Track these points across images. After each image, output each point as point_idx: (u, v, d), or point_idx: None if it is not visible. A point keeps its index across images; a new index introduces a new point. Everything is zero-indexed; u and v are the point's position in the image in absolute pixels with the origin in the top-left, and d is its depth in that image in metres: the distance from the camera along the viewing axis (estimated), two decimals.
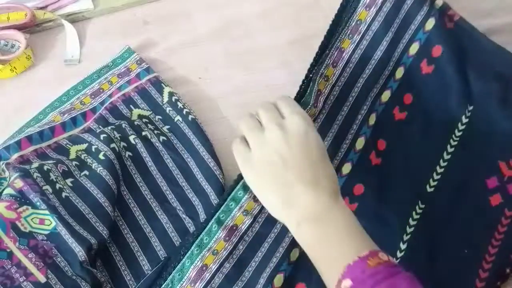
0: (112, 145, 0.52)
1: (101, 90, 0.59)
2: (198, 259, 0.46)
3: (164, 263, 0.48)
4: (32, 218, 0.47)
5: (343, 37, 0.55)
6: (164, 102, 0.57)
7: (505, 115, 0.52)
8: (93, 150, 0.52)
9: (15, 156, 0.50)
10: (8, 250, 0.45)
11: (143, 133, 0.54)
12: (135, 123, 0.55)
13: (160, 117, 0.56)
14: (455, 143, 0.52)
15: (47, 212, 0.46)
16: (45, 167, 0.49)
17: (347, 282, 0.36)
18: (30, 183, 0.47)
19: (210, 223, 0.48)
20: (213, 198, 0.51)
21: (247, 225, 0.48)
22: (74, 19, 0.65)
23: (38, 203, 0.47)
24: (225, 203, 0.49)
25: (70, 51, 0.63)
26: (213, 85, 0.60)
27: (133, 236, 0.51)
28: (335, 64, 0.54)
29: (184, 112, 0.55)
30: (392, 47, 0.55)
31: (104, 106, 0.57)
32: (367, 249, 0.37)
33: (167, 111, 0.56)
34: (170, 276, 0.46)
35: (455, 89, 0.54)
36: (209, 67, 0.62)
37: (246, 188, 0.49)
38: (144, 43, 0.63)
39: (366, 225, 0.41)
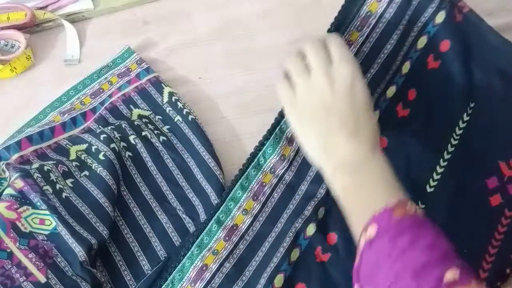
0: (112, 145, 0.52)
1: (101, 90, 0.59)
2: (198, 259, 0.46)
3: (164, 263, 0.48)
4: (33, 218, 0.47)
5: (351, 29, 0.53)
6: (164, 102, 0.57)
7: (505, 114, 0.52)
8: (93, 150, 0.52)
9: (15, 156, 0.50)
10: (8, 250, 0.45)
11: (143, 133, 0.54)
12: (135, 123, 0.55)
13: (160, 117, 0.56)
14: (456, 142, 0.52)
15: (47, 212, 0.47)
16: (45, 168, 0.49)
17: (372, 230, 0.36)
18: (30, 183, 0.47)
19: (210, 224, 0.48)
20: (213, 198, 0.51)
21: (247, 224, 0.48)
22: (74, 19, 0.65)
23: (38, 203, 0.47)
24: (224, 203, 0.49)
25: (70, 51, 0.63)
26: (213, 85, 0.60)
27: (133, 236, 0.51)
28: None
29: (184, 112, 0.55)
30: (401, 41, 0.54)
31: (104, 106, 0.57)
32: (396, 200, 0.37)
33: (167, 111, 0.56)
34: (171, 277, 0.46)
35: (458, 85, 0.53)
36: (209, 67, 0.61)
37: (244, 188, 0.49)
38: (144, 43, 0.63)
39: None
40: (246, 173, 0.51)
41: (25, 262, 0.45)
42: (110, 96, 0.58)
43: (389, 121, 0.53)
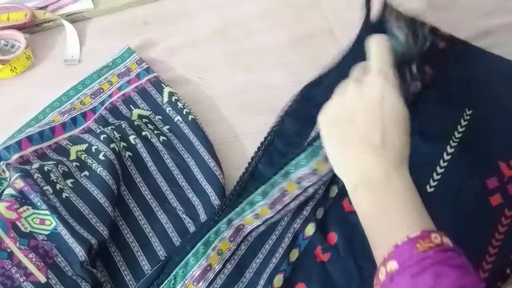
0: (112, 145, 0.52)
1: (101, 90, 0.59)
2: (203, 258, 0.46)
3: (164, 263, 0.48)
4: (33, 218, 0.47)
5: None
6: (164, 102, 0.57)
7: (504, 115, 0.52)
8: (93, 150, 0.52)
9: (15, 156, 0.50)
10: (8, 250, 0.45)
11: (143, 133, 0.54)
12: (135, 123, 0.55)
13: (160, 117, 0.56)
14: (455, 144, 0.52)
15: (47, 212, 0.46)
16: (46, 168, 0.49)
17: (393, 265, 0.34)
18: (30, 184, 0.47)
19: (220, 223, 0.47)
20: (214, 199, 0.51)
21: (254, 227, 0.48)
22: (74, 19, 0.65)
23: (38, 203, 0.47)
24: (241, 205, 0.48)
25: (70, 51, 0.63)
26: (213, 85, 0.60)
27: (133, 236, 0.51)
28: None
29: (184, 112, 0.55)
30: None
31: (104, 106, 0.57)
32: (419, 228, 0.35)
33: (167, 111, 0.56)
34: (173, 272, 0.46)
35: (454, 95, 0.53)
36: (209, 67, 0.62)
37: (265, 194, 0.48)
38: (144, 43, 0.63)
39: None
40: (272, 180, 0.49)
41: (25, 262, 0.45)
42: (110, 96, 0.58)
43: None
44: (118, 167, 0.51)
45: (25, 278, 0.44)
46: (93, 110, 0.57)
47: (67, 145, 0.53)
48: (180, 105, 0.56)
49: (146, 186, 0.53)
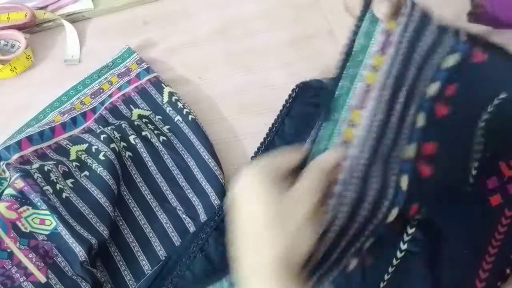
0: (112, 145, 0.52)
1: (101, 90, 0.59)
2: None
3: (165, 263, 0.48)
4: (33, 218, 0.47)
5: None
6: (164, 102, 0.57)
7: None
8: (93, 150, 0.52)
9: (15, 156, 0.50)
10: (8, 250, 0.45)
11: (143, 133, 0.54)
12: (135, 123, 0.55)
13: (160, 117, 0.56)
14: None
15: (47, 212, 0.47)
16: (46, 168, 0.49)
17: None
18: (30, 184, 0.47)
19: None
20: (214, 199, 0.51)
21: None
22: (74, 19, 0.65)
23: (38, 203, 0.47)
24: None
25: (70, 51, 0.63)
26: (213, 85, 0.60)
27: (133, 236, 0.51)
28: (384, 50, 0.43)
29: (184, 112, 0.55)
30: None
31: (104, 106, 0.57)
32: None
33: (167, 111, 0.56)
34: None
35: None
36: (209, 67, 0.62)
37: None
38: (144, 43, 0.63)
39: None
40: None
41: (25, 262, 0.45)
42: (110, 96, 0.58)
43: (431, 124, 0.45)
44: (118, 167, 0.51)
45: (25, 278, 0.44)
46: (93, 110, 0.57)
47: (67, 145, 0.53)
48: (180, 105, 0.56)
49: (146, 186, 0.53)
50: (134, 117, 0.56)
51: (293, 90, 0.55)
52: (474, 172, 0.45)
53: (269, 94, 0.59)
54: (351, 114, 0.41)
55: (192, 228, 0.51)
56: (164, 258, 0.49)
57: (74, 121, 0.56)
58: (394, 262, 0.47)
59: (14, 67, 0.60)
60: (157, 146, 0.54)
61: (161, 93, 0.57)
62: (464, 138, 0.45)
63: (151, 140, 0.54)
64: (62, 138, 0.54)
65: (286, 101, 0.55)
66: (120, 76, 0.59)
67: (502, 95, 0.46)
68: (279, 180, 0.35)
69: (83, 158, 0.52)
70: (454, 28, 0.44)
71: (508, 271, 0.47)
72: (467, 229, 0.48)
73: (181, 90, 0.59)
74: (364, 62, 0.42)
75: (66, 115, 0.56)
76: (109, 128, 0.53)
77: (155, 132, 0.55)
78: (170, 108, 0.56)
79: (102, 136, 0.52)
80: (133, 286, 0.48)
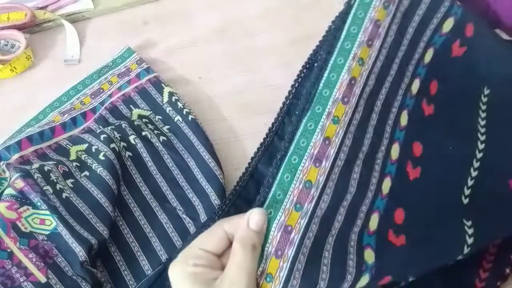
0: (112, 145, 0.52)
1: (101, 90, 0.59)
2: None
3: (166, 265, 0.48)
4: (33, 218, 0.47)
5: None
6: (164, 102, 0.57)
7: None
8: (93, 150, 0.52)
9: (15, 156, 0.50)
10: (8, 250, 0.45)
11: (143, 133, 0.54)
12: (135, 123, 0.55)
13: (160, 117, 0.57)
14: (482, 146, 0.44)
15: (47, 212, 0.47)
16: (46, 168, 0.49)
17: None
18: (30, 184, 0.47)
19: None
20: (214, 199, 0.51)
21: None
22: (74, 19, 0.65)
23: (38, 203, 0.47)
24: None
25: (70, 51, 0.63)
26: (213, 85, 0.60)
27: (133, 236, 0.51)
28: (370, 43, 0.43)
29: (184, 112, 0.55)
30: (423, 25, 0.46)
31: (104, 106, 0.57)
32: None
33: (167, 111, 0.56)
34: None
35: (475, 71, 0.46)
36: (209, 67, 0.62)
37: (332, 85, 0.40)
38: (144, 43, 0.63)
39: None
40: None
41: (25, 262, 0.45)
42: (110, 96, 0.58)
43: (418, 123, 0.45)
44: (118, 167, 0.51)
45: (25, 278, 0.44)
46: (93, 110, 0.57)
47: (67, 145, 0.53)
48: (180, 105, 0.56)
49: (146, 186, 0.53)
50: (134, 117, 0.56)
51: (292, 86, 0.55)
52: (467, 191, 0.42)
53: (269, 94, 0.59)
54: (335, 108, 0.40)
55: (192, 228, 0.51)
56: (166, 259, 0.49)
57: (74, 121, 0.56)
58: None
59: (14, 67, 0.60)
60: (157, 146, 0.54)
61: (161, 93, 0.57)
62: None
63: (151, 140, 0.54)
64: (62, 138, 0.54)
65: (286, 98, 0.55)
66: (120, 76, 0.59)
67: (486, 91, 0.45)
68: (211, 265, 0.33)
69: (83, 158, 0.52)
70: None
71: (507, 270, 0.47)
72: None
73: (181, 90, 0.59)
74: (353, 50, 0.41)
75: (66, 115, 0.56)
76: (109, 128, 0.54)
77: (155, 132, 0.55)
78: (170, 108, 0.56)
79: (102, 136, 0.52)
80: (133, 286, 0.48)
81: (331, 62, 0.41)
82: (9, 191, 0.47)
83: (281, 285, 0.33)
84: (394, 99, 0.45)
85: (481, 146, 0.44)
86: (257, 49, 0.63)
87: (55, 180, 0.49)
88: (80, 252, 0.45)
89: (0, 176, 0.51)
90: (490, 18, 0.50)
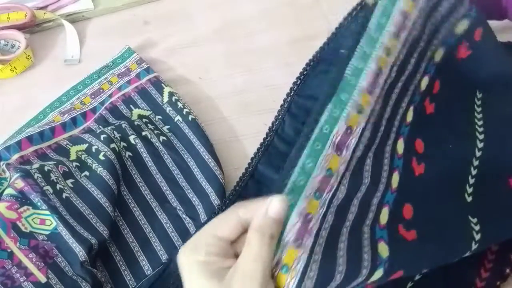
0: (112, 145, 0.52)
1: (101, 90, 0.59)
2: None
3: (166, 265, 0.48)
4: (33, 218, 0.47)
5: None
6: (164, 102, 0.57)
7: None
8: (93, 150, 0.52)
9: (15, 156, 0.50)
10: (8, 250, 0.45)
11: (143, 133, 0.54)
12: (135, 123, 0.55)
13: (160, 117, 0.57)
14: (481, 145, 0.44)
15: (47, 212, 0.47)
16: (46, 168, 0.49)
17: None
18: (31, 184, 0.47)
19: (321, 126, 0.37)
20: (214, 199, 0.51)
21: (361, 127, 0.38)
22: (74, 19, 0.65)
23: (38, 203, 0.47)
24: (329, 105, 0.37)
25: (70, 51, 0.63)
26: (213, 85, 0.60)
27: (133, 236, 0.51)
28: (397, 34, 0.41)
29: (184, 112, 0.55)
30: (442, 23, 0.46)
31: (104, 106, 0.57)
32: None
33: (167, 111, 0.56)
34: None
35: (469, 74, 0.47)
36: (209, 67, 0.62)
37: (357, 74, 0.39)
38: (144, 43, 0.63)
39: None
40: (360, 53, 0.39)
41: (26, 262, 0.45)
42: (110, 96, 0.58)
43: (420, 120, 0.45)
44: (118, 167, 0.51)
45: (25, 278, 0.44)
46: (93, 110, 0.57)
47: (67, 145, 0.53)
48: (180, 105, 0.56)
49: (146, 186, 0.53)
50: (134, 117, 0.56)
51: (294, 83, 0.55)
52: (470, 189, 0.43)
53: (269, 94, 0.59)
54: (361, 98, 0.38)
55: (192, 228, 0.51)
56: (165, 260, 0.50)
57: (74, 121, 0.56)
58: None
59: (14, 67, 0.60)
60: (157, 146, 0.54)
61: (161, 93, 0.57)
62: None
63: (151, 140, 0.54)
64: (62, 138, 0.54)
65: (287, 94, 0.55)
66: (120, 76, 0.59)
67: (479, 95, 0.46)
68: (222, 254, 0.30)
69: (83, 158, 0.52)
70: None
71: (508, 270, 0.47)
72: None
73: (181, 90, 0.59)
74: (380, 40, 0.40)
75: (66, 115, 0.56)
76: (109, 128, 0.54)
77: (155, 132, 0.55)
78: (170, 108, 0.56)
79: (102, 136, 0.52)
80: (133, 286, 0.48)
81: (358, 50, 0.39)
82: (9, 191, 0.47)
83: (298, 277, 0.32)
84: (406, 93, 0.44)
85: (480, 145, 0.44)
86: (257, 49, 0.63)
87: (55, 180, 0.49)
88: (80, 252, 0.45)
89: (0, 176, 0.51)
90: (502, 11, 0.50)
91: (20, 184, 0.47)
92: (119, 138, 0.53)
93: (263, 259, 0.30)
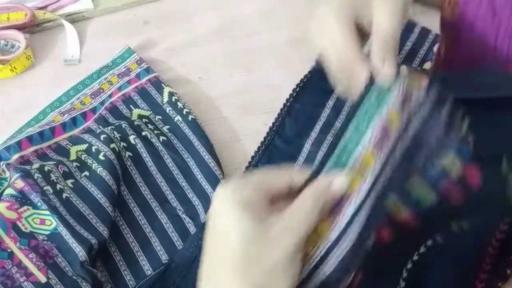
0: (112, 145, 0.52)
1: (101, 90, 0.59)
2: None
3: (167, 266, 0.49)
4: (33, 218, 0.47)
5: None
6: (164, 102, 0.57)
7: None
8: (93, 150, 0.52)
9: (15, 156, 0.50)
10: (9, 250, 0.45)
11: (143, 133, 0.54)
12: (135, 123, 0.55)
13: (160, 117, 0.57)
14: None
15: (47, 212, 0.47)
16: (46, 168, 0.49)
17: None
18: (31, 184, 0.47)
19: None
20: None
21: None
22: (74, 19, 0.65)
23: (39, 203, 0.47)
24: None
25: (70, 51, 0.63)
26: (213, 85, 0.60)
27: (133, 236, 0.51)
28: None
29: (184, 112, 0.55)
30: None
31: (104, 106, 0.57)
32: None
33: (167, 111, 0.56)
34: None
35: None
36: (209, 67, 0.62)
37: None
38: (144, 43, 0.63)
39: None
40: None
41: (26, 262, 0.45)
42: (110, 96, 0.58)
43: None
44: (118, 167, 0.51)
45: (25, 278, 0.44)
46: (93, 110, 0.57)
47: (67, 145, 0.53)
48: (180, 105, 0.56)
49: (146, 186, 0.53)
50: (134, 117, 0.56)
51: (294, 90, 0.55)
52: None
53: (269, 94, 0.59)
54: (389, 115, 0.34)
55: (192, 228, 0.51)
56: (165, 260, 0.50)
57: (74, 121, 0.56)
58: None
59: (14, 67, 0.60)
60: (157, 146, 0.54)
61: (161, 93, 0.57)
62: None
63: (151, 140, 0.54)
64: (62, 138, 0.54)
65: (287, 100, 0.55)
66: (120, 76, 0.59)
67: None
68: (264, 203, 0.29)
69: (83, 158, 0.52)
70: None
71: (509, 271, 0.47)
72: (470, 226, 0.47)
73: (181, 90, 0.59)
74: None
75: (66, 115, 0.56)
76: (109, 128, 0.54)
77: (155, 132, 0.55)
78: (170, 108, 0.56)
79: (102, 136, 0.52)
80: (133, 286, 0.48)
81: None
82: (9, 191, 0.47)
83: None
84: None
85: None
86: (257, 49, 0.63)
87: (55, 180, 0.49)
88: (80, 252, 0.45)
89: (0, 176, 0.51)
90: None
91: (20, 184, 0.47)
92: (119, 138, 0.53)
93: (307, 220, 0.29)
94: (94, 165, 0.51)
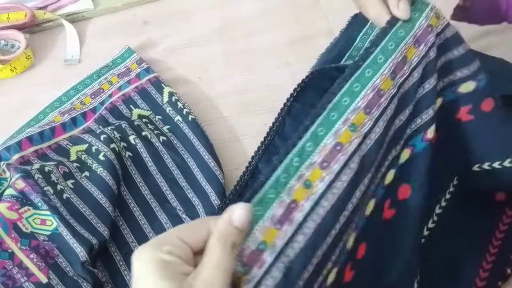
0: (112, 145, 0.52)
1: (101, 90, 0.59)
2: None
3: None
4: (34, 219, 0.47)
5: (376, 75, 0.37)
6: (164, 102, 0.57)
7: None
8: (93, 150, 0.52)
9: (15, 156, 0.50)
10: (9, 251, 0.45)
11: (143, 133, 0.54)
12: (135, 123, 0.55)
13: (160, 117, 0.57)
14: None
15: (48, 212, 0.47)
16: (46, 168, 0.49)
17: None
18: (31, 184, 0.47)
19: (304, 141, 0.36)
20: (214, 199, 0.51)
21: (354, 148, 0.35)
22: (74, 19, 0.65)
23: (39, 204, 0.47)
24: (325, 111, 0.35)
25: (70, 51, 0.63)
26: (213, 85, 0.60)
27: (133, 236, 0.51)
28: (368, 110, 0.37)
29: (184, 112, 0.56)
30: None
31: (104, 106, 0.57)
32: None
33: (167, 111, 0.56)
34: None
35: None
36: (209, 67, 0.62)
37: (353, 93, 0.36)
38: (144, 43, 0.63)
39: None
40: (359, 71, 0.36)
41: (27, 262, 0.45)
42: (110, 96, 0.58)
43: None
44: (118, 167, 0.51)
45: (26, 279, 0.44)
46: (93, 110, 0.57)
47: (67, 146, 0.53)
48: (180, 105, 0.56)
49: (146, 186, 0.53)
50: (134, 117, 0.56)
51: (294, 90, 0.55)
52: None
53: (269, 94, 0.59)
54: (354, 116, 0.36)
55: None
56: None
57: (74, 121, 0.56)
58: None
59: (14, 67, 0.60)
60: (157, 146, 0.54)
61: (161, 93, 0.57)
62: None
63: (151, 140, 0.54)
64: (62, 138, 0.54)
65: (287, 100, 0.55)
66: (120, 76, 0.59)
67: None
68: (185, 258, 0.29)
69: (83, 158, 0.52)
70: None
71: (509, 270, 0.47)
72: (470, 226, 0.48)
73: (181, 90, 0.59)
74: (387, 64, 0.37)
75: (66, 115, 0.56)
76: (109, 128, 0.54)
77: (155, 132, 0.55)
78: (170, 108, 0.56)
79: (102, 136, 0.52)
80: None
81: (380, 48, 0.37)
82: (10, 191, 0.47)
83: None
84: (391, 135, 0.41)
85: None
86: (257, 49, 0.63)
87: (56, 181, 0.49)
88: (81, 252, 0.46)
89: (0, 176, 0.51)
90: (502, 15, 0.50)
91: (20, 184, 0.47)
92: (119, 138, 0.53)
93: (224, 267, 0.28)
94: (94, 165, 0.51)
